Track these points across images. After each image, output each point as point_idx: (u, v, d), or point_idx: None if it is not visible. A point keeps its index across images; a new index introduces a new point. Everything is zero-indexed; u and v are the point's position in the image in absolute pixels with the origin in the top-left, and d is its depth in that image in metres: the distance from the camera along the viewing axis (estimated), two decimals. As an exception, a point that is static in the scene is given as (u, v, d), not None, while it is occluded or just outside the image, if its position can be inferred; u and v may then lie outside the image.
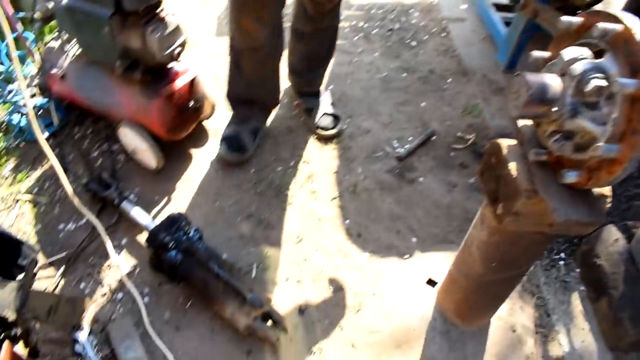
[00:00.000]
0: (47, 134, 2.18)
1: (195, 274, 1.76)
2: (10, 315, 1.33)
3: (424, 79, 2.82)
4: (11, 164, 2.20)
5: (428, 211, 2.21)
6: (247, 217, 2.11)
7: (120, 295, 1.85)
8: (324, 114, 2.44)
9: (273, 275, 1.95)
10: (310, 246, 2.04)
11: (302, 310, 1.87)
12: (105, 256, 1.93)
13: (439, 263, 2.03)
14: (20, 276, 1.36)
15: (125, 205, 1.96)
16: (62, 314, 1.62)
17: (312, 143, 2.42)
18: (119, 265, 1.86)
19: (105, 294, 1.85)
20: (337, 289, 1.94)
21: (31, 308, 1.42)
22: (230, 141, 2.24)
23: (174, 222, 1.82)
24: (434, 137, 2.52)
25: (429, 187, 2.29)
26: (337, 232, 2.10)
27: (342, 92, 2.71)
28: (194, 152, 2.32)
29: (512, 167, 1.26)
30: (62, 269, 1.88)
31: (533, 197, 1.21)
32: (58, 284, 1.86)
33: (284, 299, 1.89)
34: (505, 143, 1.32)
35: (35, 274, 1.68)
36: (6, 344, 1.39)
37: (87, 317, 1.79)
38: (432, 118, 2.61)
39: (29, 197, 2.08)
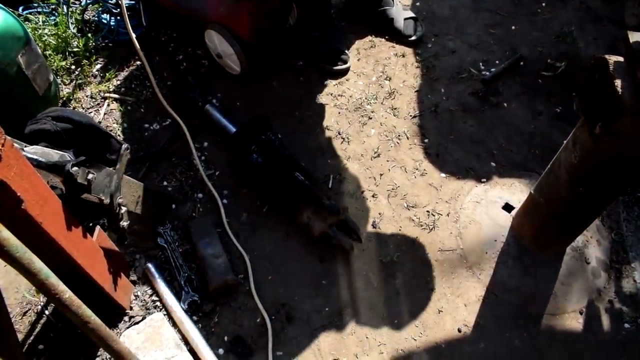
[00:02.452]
0: (134, 35, 2.20)
1: (274, 177, 1.78)
2: (105, 199, 1.39)
3: (517, 1, 2.66)
4: (100, 63, 2.25)
5: (509, 137, 2.13)
6: (326, 129, 2.09)
7: (200, 195, 1.91)
8: (405, 19, 2.36)
9: (349, 187, 1.95)
10: (387, 162, 2.02)
11: (375, 223, 1.88)
12: (188, 157, 1.97)
13: (517, 189, 1.97)
14: (117, 165, 1.41)
15: (208, 107, 1.98)
16: (148, 206, 1.68)
17: (395, 59, 2.35)
18: (200, 166, 1.90)
19: (186, 193, 1.90)
20: (412, 205, 1.92)
21: (122, 195, 1.48)
22: (330, 53, 2.21)
23: (256, 125, 1.83)
24: (522, 62, 2.39)
25: (513, 113, 2.20)
26: (415, 150, 2.07)
27: (429, 9, 2.59)
28: (276, 61, 2.30)
29: (618, 83, 1.18)
30: (146, 166, 1.93)
31: (637, 116, 1.13)
32: (142, 180, 1.92)
33: (358, 210, 1.90)
34: (613, 59, 1.23)
35: (128, 162, 1.75)
36: (98, 229, 1.47)
37: (169, 213, 1.85)
38: (522, 42, 2.47)
39: (116, 95, 2.14)
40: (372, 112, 2.16)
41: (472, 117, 2.18)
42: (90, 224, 1.55)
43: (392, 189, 1.96)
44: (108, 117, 2.10)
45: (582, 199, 1.48)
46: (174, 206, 1.88)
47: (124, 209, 1.45)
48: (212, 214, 1.86)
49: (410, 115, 2.16)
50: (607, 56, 1.24)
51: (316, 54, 2.24)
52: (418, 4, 2.61)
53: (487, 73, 2.32)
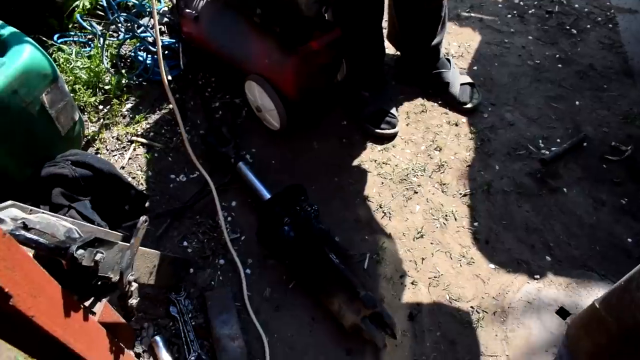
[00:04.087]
0: (170, 77, 2.06)
1: (306, 255, 1.58)
2: (114, 277, 1.20)
3: (582, 74, 2.45)
4: (130, 103, 2.11)
5: (568, 228, 1.90)
6: (366, 200, 1.90)
7: (222, 261, 1.72)
8: (462, 85, 2.18)
9: (387, 270, 1.75)
10: (431, 245, 1.82)
11: (412, 315, 1.66)
12: (213, 217, 1.80)
13: (574, 292, 1.74)
14: (132, 239, 1.23)
15: (241, 166, 1.81)
16: (163, 274, 1.50)
17: (448, 128, 2.15)
18: (225, 228, 1.72)
19: (207, 257, 1.72)
20: (455, 298, 1.70)
21: (134, 269, 1.29)
22: (378, 116, 2.05)
23: (291, 194, 1.65)
24: (585, 143, 2.18)
25: (573, 201, 1.98)
26: (463, 234, 1.85)
27: (487, 74, 2.41)
28: (318, 119, 2.13)
29: None
30: (167, 223, 1.76)
31: None
32: (161, 237, 1.75)
33: (395, 298, 1.69)
34: None
35: (145, 236, 1.58)
36: (103, 304, 1.28)
37: (187, 279, 1.67)
38: (586, 120, 2.26)
39: (144, 140, 1.98)
40: (419, 185, 1.96)
41: (528, 201, 1.97)
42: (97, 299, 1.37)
43: (435, 276, 1.75)
44: (132, 162, 1.94)
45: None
46: (191, 271, 1.69)
47: (134, 286, 1.27)
48: (232, 285, 1.67)
49: (460, 194, 1.96)
50: None
51: (363, 115, 2.06)
52: (475, 68, 2.43)
53: (547, 152, 2.12)
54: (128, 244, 1.21)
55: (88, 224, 1.47)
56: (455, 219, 1.89)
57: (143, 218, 1.22)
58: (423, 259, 1.79)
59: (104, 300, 1.28)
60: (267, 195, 1.71)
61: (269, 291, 1.68)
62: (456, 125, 2.19)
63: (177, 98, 2.10)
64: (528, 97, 2.35)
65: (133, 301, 1.24)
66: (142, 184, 1.88)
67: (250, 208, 1.84)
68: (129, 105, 2.10)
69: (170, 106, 2.09)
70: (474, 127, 2.19)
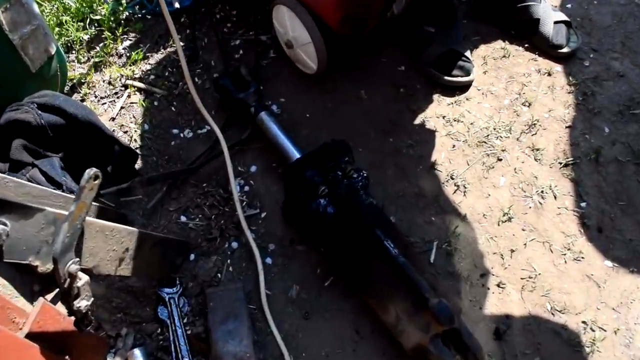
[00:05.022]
0: (177, 5, 1.58)
1: (350, 240, 1.09)
2: (41, 265, 0.74)
3: None
4: (130, 39, 1.64)
5: None
6: (432, 168, 1.39)
7: (234, 245, 1.25)
8: (555, 23, 1.64)
9: (462, 265, 1.25)
10: (523, 232, 1.30)
11: (500, 332, 1.16)
12: (224, 185, 1.32)
13: None
14: (72, 206, 0.76)
15: (263, 116, 1.32)
16: (145, 262, 1.03)
17: (538, 78, 1.62)
18: (238, 201, 1.24)
19: (213, 239, 1.25)
20: (559, 309, 1.19)
21: (87, 254, 0.82)
22: (445, 60, 1.52)
23: (330, 155, 1.15)
24: None
25: None
26: (566, 218, 1.33)
27: (584, 15, 1.85)
28: (366, 61, 1.61)
29: None
30: (162, 191, 1.29)
31: None
32: (154, 210, 1.28)
33: (473, 306, 1.19)
34: None
35: (98, 199, 1.12)
36: (39, 304, 0.82)
37: (183, 269, 1.20)
38: None
39: (141, 84, 1.51)
40: (503, 150, 1.44)
41: (652, 175, 1.43)
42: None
43: (530, 277, 1.24)
44: (125, 112, 1.48)
45: None
46: (192, 257, 1.22)
47: (82, 280, 0.79)
48: (245, 279, 1.20)
49: (560, 163, 1.43)
50: None
51: (426, 57, 1.54)
52: (569, 6, 1.87)
53: (672, 112, 1.55)
54: (65, 213, 0.74)
55: (43, 188, 1.00)
56: (555, 197, 1.37)
57: (90, 172, 0.74)
58: (512, 251, 1.28)
59: (40, 300, 0.82)
60: (298, 156, 1.22)
61: (296, 289, 1.20)
62: (549, 74, 1.64)
63: (187, 34, 1.62)
64: (639, 43, 1.77)
65: (82, 303, 0.78)
66: (135, 140, 1.42)
67: (276, 175, 1.36)
68: (126, 43, 1.64)
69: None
70: (573, 77, 1.64)
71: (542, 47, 1.71)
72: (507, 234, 1.32)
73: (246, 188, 1.36)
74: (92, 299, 0.84)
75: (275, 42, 1.61)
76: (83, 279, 0.81)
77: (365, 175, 1.18)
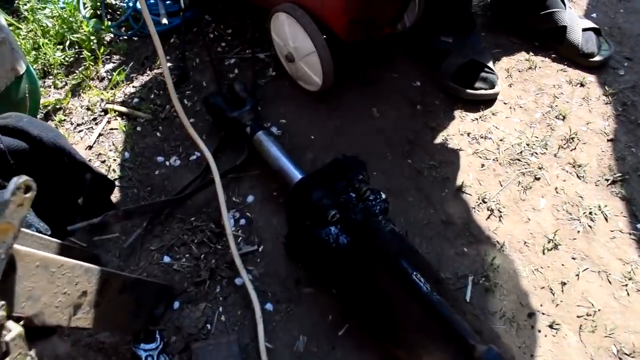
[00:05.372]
0: (166, 20, 1.41)
1: (369, 275, 0.87)
2: None
3: None
4: (113, 62, 1.46)
5: None
6: (460, 191, 1.18)
7: (227, 292, 1.02)
8: (584, 30, 1.46)
9: (504, 303, 1.03)
10: (574, 261, 1.09)
11: None
12: (216, 219, 1.11)
13: None
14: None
15: (261, 137, 1.12)
16: (111, 311, 0.81)
17: (570, 89, 1.43)
18: (232, 236, 1.03)
19: (202, 283, 1.03)
20: (629, 352, 0.96)
21: (24, 294, 0.61)
22: (466, 72, 1.34)
23: (341, 173, 0.94)
24: None
25: None
26: (622, 243, 1.12)
27: (612, 23, 1.68)
28: (377, 76, 1.42)
29: None
30: (142, 227, 1.09)
31: None
32: (130, 249, 1.07)
33: (522, 352, 0.96)
34: None
35: (71, 231, 0.92)
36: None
37: (165, 320, 0.98)
38: None
39: (123, 108, 1.32)
40: (540, 168, 1.23)
41: None
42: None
43: (587, 314, 1.01)
44: (104, 139, 1.28)
45: None
46: (176, 305, 1.00)
47: (13, 332, 0.58)
48: (241, 331, 0.97)
49: (606, 180, 1.22)
50: None
51: (446, 70, 1.36)
52: (594, 15, 1.69)
53: None
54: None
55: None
56: (606, 219, 1.15)
57: (19, 181, 0.53)
58: (563, 284, 1.06)
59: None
60: (301, 178, 1.01)
61: (303, 341, 0.98)
62: (581, 85, 1.45)
63: (176, 54, 1.45)
64: (676, 51, 1.60)
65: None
66: (113, 170, 1.22)
67: (277, 205, 1.16)
68: (109, 66, 1.46)
69: (170, 64, 1.43)
70: (609, 87, 1.45)
71: (571, 56, 1.53)
72: (554, 264, 1.09)
73: (242, 221, 1.15)
74: (30, 358, 0.62)
75: (275, 60, 1.43)
76: (14, 330, 0.59)
77: (384, 197, 0.97)
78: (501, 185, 1.22)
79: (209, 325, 1.00)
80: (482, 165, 1.25)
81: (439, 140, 1.31)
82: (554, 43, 1.55)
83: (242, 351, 0.95)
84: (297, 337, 0.99)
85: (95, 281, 0.78)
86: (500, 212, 1.17)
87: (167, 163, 1.25)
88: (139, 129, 1.32)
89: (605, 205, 1.20)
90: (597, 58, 1.51)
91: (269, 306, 1.03)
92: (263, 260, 1.10)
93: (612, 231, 1.16)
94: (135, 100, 1.37)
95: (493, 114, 1.37)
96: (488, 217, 1.16)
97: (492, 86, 1.38)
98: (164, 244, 1.11)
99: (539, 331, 1.01)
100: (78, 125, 1.34)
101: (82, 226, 1.05)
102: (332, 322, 1.01)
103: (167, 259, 1.09)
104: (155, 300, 0.98)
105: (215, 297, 1.04)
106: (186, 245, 1.11)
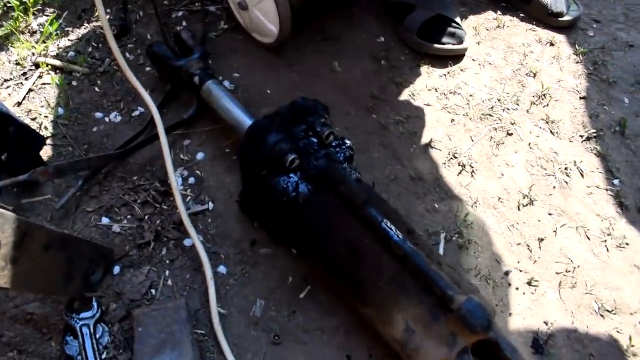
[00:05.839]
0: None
1: (333, 227, 0.77)
2: None
3: None
4: (47, 15, 1.32)
5: None
6: (430, 146, 1.10)
7: (174, 254, 0.91)
8: None
9: (479, 260, 0.95)
10: (550, 216, 1.03)
11: (539, 343, 0.85)
12: (162, 177, 0.99)
13: None
14: None
15: (211, 86, 1.00)
16: (38, 267, 0.69)
17: (540, 48, 1.37)
18: (179, 193, 0.91)
19: (146, 245, 0.91)
20: (608, 308, 0.90)
21: None
22: (432, 26, 1.25)
23: (301, 115, 0.83)
24: None
25: None
26: (599, 198, 1.06)
27: (580, -16, 1.62)
28: (338, 32, 1.33)
29: None
30: (78, 186, 0.96)
31: None
32: (64, 211, 0.95)
33: (500, 310, 0.88)
34: None
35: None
36: None
37: (104, 286, 0.86)
38: None
39: (57, 62, 1.19)
40: (513, 124, 1.16)
41: (689, 150, 1.17)
42: None
43: (566, 270, 0.95)
44: (35, 95, 1.15)
45: None
46: (116, 269, 0.87)
47: None
48: (190, 296, 0.86)
49: (580, 136, 1.16)
50: None
51: (411, 25, 1.27)
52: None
53: (695, 82, 1.32)
54: None
55: None
56: (582, 175, 1.09)
57: None
58: (541, 240, 0.99)
59: None
60: (254, 121, 0.90)
61: (261, 305, 0.87)
62: (551, 44, 1.39)
63: (118, 5, 1.31)
64: (643, 14, 1.56)
65: None
66: (45, 127, 1.08)
67: (230, 162, 1.05)
68: (42, 19, 1.31)
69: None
70: (579, 46, 1.38)
71: (540, 16, 1.47)
72: (531, 220, 1.02)
73: (191, 180, 1.03)
74: None
75: (227, 12, 1.32)
76: None
77: (349, 144, 0.87)
78: (472, 141, 1.14)
79: (153, 291, 0.88)
80: (452, 121, 1.17)
81: (405, 95, 1.22)
82: (522, 2, 1.49)
83: (191, 317, 0.83)
84: (254, 302, 0.89)
85: (11, 231, 0.65)
86: (472, 167, 1.09)
87: (107, 119, 1.12)
88: (74, 83, 1.18)
89: (581, 161, 1.13)
90: (566, 18, 1.45)
91: (222, 269, 0.92)
92: (215, 220, 0.98)
93: (588, 187, 1.10)
94: (71, 53, 1.24)
95: (461, 70, 1.29)
96: (459, 173, 1.08)
97: (460, 41, 1.30)
98: (102, 205, 0.99)
99: (517, 288, 0.93)
100: (5, 80, 1.19)
101: (6, 184, 0.91)
102: (292, 285, 0.91)
103: (105, 220, 0.96)
104: (91, 263, 0.86)
105: (161, 260, 0.92)
106: (128, 205, 0.99)
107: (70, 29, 1.30)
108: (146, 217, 0.98)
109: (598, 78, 1.34)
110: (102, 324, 0.84)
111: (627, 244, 1.02)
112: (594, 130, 1.20)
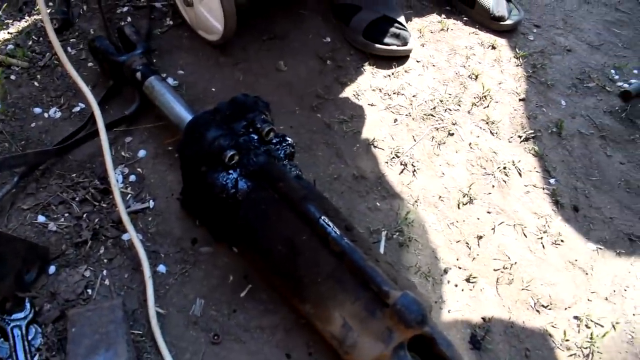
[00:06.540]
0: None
1: (272, 225, 0.77)
2: None
3: (646, -4, 1.76)
4: None
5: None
6: (372, 145, 1.12)
7: (112, 253, 0.89)
8: None
9: (419, 257, 0.97)
10: (489, 215, 1.05)
11: (477, 339, 0.87)
12: (100, 175, 0.97)
13: None
14: None
15: (154, 82, 0.99)
16: None
17: (482, 51, 1.41)
18: (118, 190, 0.90)
19: (83, 244, 0.89)
20: (544, 304, 0.93)
21: None
22: (379, 28, 1.26)
23: (241, 112, 0.83)
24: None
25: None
26: (536, 197, 1.09)
27: (523, -9, 1.68)
28: (284, 31, 1.33)
29: None
30: (14, 182, 0.93)
31: None
32: (0, 209, 0.92)
33: (440, 309, 0.91)
34: None
35: None
36: None
37: (38, 286, 0.83)
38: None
39: (-6, 56, 1.15)
40: (454, 124, 1.18)
41: (618, 148, 1.24)
42: None
43: (504, 267, 0.98)
44: (-31, 91, 1.10)
45: None
46: (51, 269, 0.85)
47: None
48: (128, 295, 0.84)
49: (519, 137, 1.20)
50: None
51: (356, 25, 1.29)
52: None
53: (627, 85, 1.38)
54: None
55: None
56: (520, 174, 1.13)
57: None
58: (480, 237, 1.01)
59: None
60: (194, 117, 0.89)
61: (201, 305, 0.86)
62: (493, 47, 1.44)
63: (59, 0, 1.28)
64: (580, 20, 1.64)
65: None
66: (-21, 122, 1.04)
67: (172, 161, 1.03)
68: (-20, 13, 1.27)
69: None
70: (520, 50, 1.43)
71: (482, 20, 1.51)
72: (470, 219, 1.04)
73: (132, 178, 1.02)
74: None
75: (173, 9, 1.30)
76: None
77: (290, 141, 0.88)
78: (414, 140, 1.16)
79: (89, 291, 0.86)
80: (395, 120, 1.19)
81: (349, 95, 1.23)
82: (465, 6, 1.52)
83: (128, 317, 0.82)
84: (194, 301, 0.88)
85: None
86: (414, 166, 1.11)
87: (46, 115, 1.09)
88: (12, 77, 1.15)
89: (519, 161, 1.17)
90: (507, 22, 1.50)
91: (161, 268, 0.91)
92: (155, 219, 0.97)
93: (526, 186, 1.13)
94: (10, 46, 1.20)
95: (406, 71, 1.32)
96: (401, 172, 1.10)
97: (405, 43, 1.32)
98: (39, 202, 0.96)
99: (456, 285, 0.95)
100: (-63, 75, 1.14)
101: None
102: (233, 284, 0.90)
103: (41, 218, 0.93)
104: (25, 263, 0.83)
105: (99, 259, 0.90)
106: (65, 203, 0.96)
107: (11, 21, 1.26)
108: (84, 215, 0.95)
109: (537, 81, 1.39)
110: (35, 325, 0.81)
111: (562, 241, 1.05)
112: (532, 131, 1.24)
